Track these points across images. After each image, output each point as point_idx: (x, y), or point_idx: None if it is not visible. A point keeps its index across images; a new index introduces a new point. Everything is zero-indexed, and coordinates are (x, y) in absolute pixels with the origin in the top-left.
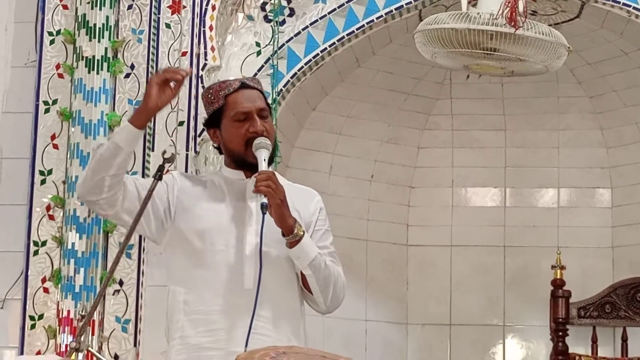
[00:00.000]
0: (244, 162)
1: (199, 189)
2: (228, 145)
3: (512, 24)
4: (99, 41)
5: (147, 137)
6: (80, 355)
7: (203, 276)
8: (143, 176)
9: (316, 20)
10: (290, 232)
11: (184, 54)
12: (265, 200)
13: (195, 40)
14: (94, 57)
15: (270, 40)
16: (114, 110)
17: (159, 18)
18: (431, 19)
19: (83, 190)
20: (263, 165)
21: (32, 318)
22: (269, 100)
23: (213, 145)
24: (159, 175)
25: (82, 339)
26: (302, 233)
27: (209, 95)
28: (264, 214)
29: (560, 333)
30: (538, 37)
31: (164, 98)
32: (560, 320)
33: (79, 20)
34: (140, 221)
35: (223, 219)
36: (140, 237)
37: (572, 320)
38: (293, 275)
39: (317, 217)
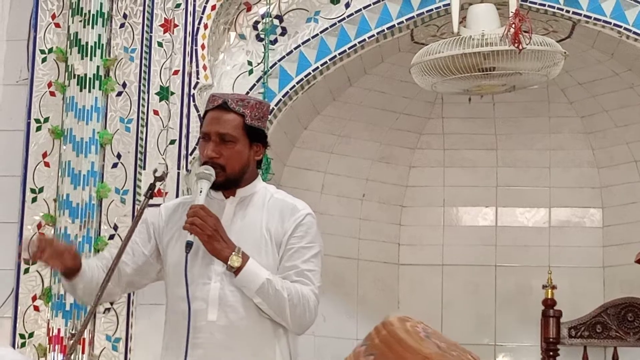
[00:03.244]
0: None
1: (183, 217)
2: None
3: (517, 45)
4: (90, 59)
5: (139, 155)
6: None
7: (174, 307)
8: (134, 195)
9: (308, 40)
10: (226, 263)
11: (175, 72)
12: (190, 238)
13: (187, 59)
14: (85, 75)
15: (262, 60)
16: (105, 128)
17: (151, 36)
18: (424, 51)
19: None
20: (198, 198)
21: (22, 336)
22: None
23: None
24: (150, 193)
25: (72, 357)
26: (238, 264)
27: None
28: (186, 252)
29: (551, 353)
30: (533, 48)
31: (66, 261)
32: (551, 340)
33: (71, 38)
34: (141, 280)
35: (196, 245)
36: None
37: (563, 340)
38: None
39: (291, 235)
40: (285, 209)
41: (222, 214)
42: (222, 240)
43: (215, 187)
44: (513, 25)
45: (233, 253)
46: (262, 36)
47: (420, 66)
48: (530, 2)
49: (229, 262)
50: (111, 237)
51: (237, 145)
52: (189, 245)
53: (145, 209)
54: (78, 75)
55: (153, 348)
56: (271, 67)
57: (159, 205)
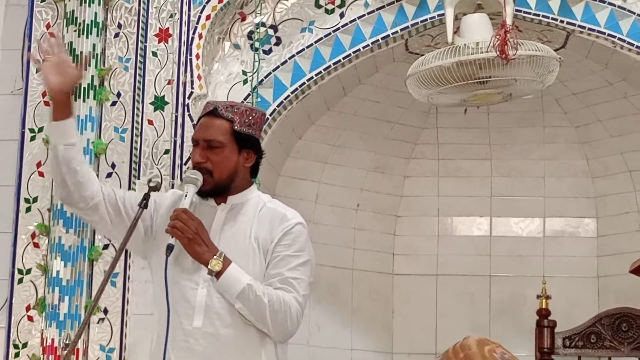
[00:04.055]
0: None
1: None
2: None
3: (503, 56)
4: (85, 69)
5: (134, 165)
6: None
7: (161, 307)
8: None
9: (303, 49)
10: (207, 267)
11: (170, 82)
12: (171, 241)
13: (182, 69)
14: (80, 84)
15: (255, 70)
16: (100, 138)
17: (145, 46)
18: (419, 62)
19: (57, 196)
20: (183, 202)
21: (16, 346)
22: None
23: None
24: (144, 203)
25: None
26: (218, 268)
27: None
28: (167, 255)
29: None
30: (527, 53)
31: (64, 79)
32: (545, 350)
33: (66, 48)
34: (107, 219)
35: (172, 257)
36: (125, 265)
37: (558, 350)
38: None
39: (277, 243)
40: (275, 217)
41: (213, 221)
42: (203, 244)
43: (204, 194)
44: (498, 37)
45: (214, 257)
46: (257, 46)
47: (417, 77)
48: (525, 12)
49: (209, 266)
50: (105, 246)
51: (225, 151)
52: (169, 248)
53: (140, 218)
54: None
55: (147, 358)
56: (266, 77)
57: None
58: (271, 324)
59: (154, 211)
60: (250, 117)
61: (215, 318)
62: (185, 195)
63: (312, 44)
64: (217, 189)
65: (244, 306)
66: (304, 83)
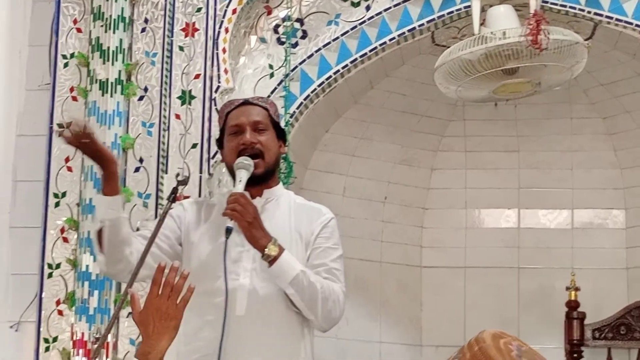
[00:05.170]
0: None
1: (206, 216)
2: (225, 160)
3: (537, 46)
4: (112, 64)
5: (161, 159)
6: None
7: (200, 304)
8: (157, 199)
9: (329, 43)
10: (262, 252)
11: (197, 76)
12: (230, 224)
13: (209, 63)
14: (107, 79)
15: (284, 63)
16: (127, 132)
17: (172, 41)
18: (446, 54)
19: (112, 271)
20: (238, 187)
21: (46, 341)
22: (283, 122)
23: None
24: (172, 197)
25: None
26: (275, 253)
27: (218, 115)
28: (226, 238)
29: (575, 355)
30: (555, 37)
31: (94, 150)
32: (575, 342)
33: (93, 43)
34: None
35: (222, 244)
36: None
37: (587, 342)
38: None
39: (318, 235)
40: (312, 211)
41: None
42: (260, 229)
43: (253, 180)
44: (530, 25)
45: (270, 242)
46: (283, 39)
47: (445, 67)
48: (551, 3)
49: (266, 251)
50: None
51: (269, 133)
52: (228, 230)
53: (168, 212)
54: (100, 80)
55: (175, 352)
56: (292, 71)
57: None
58: (321, 310)
59: (180, 224)
60: (276, 109)
61: (257, 307)
62: (240, 181)
63: (338, 37)
64: (266, 173)
65: (296, 292)
66: (330, 76)
